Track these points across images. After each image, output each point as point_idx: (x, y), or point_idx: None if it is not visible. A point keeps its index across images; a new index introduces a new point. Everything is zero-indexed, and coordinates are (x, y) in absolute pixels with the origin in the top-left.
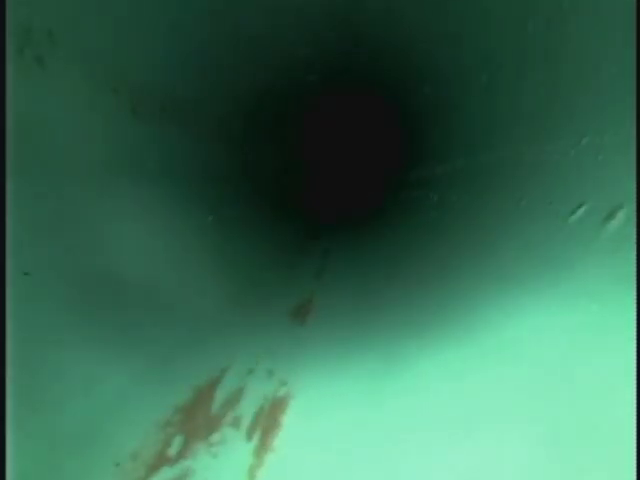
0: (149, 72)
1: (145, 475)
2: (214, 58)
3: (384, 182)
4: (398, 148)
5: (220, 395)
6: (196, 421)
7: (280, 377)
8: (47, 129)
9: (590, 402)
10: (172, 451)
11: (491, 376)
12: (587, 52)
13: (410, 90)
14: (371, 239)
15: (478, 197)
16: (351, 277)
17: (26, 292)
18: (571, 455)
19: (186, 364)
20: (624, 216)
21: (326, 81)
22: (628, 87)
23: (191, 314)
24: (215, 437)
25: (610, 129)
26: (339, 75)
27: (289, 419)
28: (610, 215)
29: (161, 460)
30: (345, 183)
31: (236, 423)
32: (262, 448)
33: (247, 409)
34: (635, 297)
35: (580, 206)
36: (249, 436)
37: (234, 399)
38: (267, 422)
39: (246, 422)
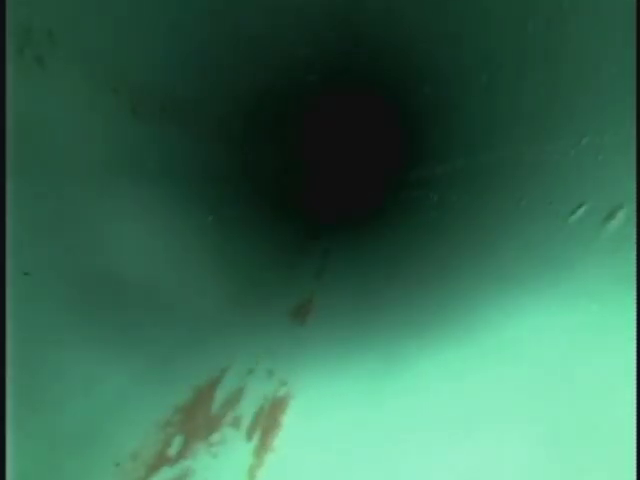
0: (149, 72)
1: (145, 475)
2: (214, 58)
3: (384, 182)
4: (398, 148)
5: (220, 395)
6: (196, 421)
7: (280, 377)
8: (47, 129)
9: (590, 402)
10: (172, 451)
11: (491, 376)
12: (587, 52)
13: (410, 90)
14: (371, 239)
15: (478, 197)
16: (351, 277)
17: (26, 292)
18: (571, 455)
19: (186, 364)
20: (624, 216)
21: (326, 81)
22: (628, 87)
23: (191, 314)
24: (215, 437)
25: (610, 129)
26: (339, 75)
27: (289, 419)
28: (610, 215)
29: (161, 460)
30: (345, 183)
31: (236, 423)
32: (262, 448)
33: (247, 409)
34: (635, 297)
35: (580, 206)
36: (249, 436)
37: (234, 399)
38: (267, 422)
39: (246, 422)
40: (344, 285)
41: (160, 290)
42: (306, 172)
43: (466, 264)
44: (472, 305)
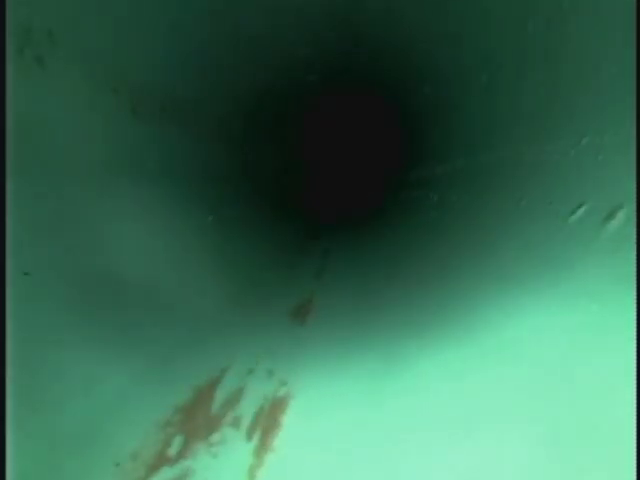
0: (149, 72)
1: (145, 475)
2: (214, 58)
3: (384, 182)
4: (398, 148)
5: (220, 395)
6: (196, 421)
7: (280, 377)
8: (47, 129)
9: (590, 402)
10: (172, 451)
11: (491, 376)
12: (587, 52)
13: (410, 90)
14: (371, 239)
15: (478, 197)
16: (351, 277)
17: (26, 292)
18: (571, 455)
19: (186, 364)
20: (624, 216)
21: (326, 81)
22: (628, 87)
23: (191, 314)
24: (215, 437)
25: (610, 129)
26: (339, 75)
27: (289, 419)
28: (610, 215)
29: (161, 460)
30: (345, 183)
31: (236, 423)
32: (262, 448)
33: (247, 409)
34: (635, 297)
35: (580, 206)
36: (249, 436)
37: (234, 399)
38: (267, 422)
39: (246, 422)
40: (344, 285)
41: (160, 290)
42: (306, 172)
43: (466, 264)
44: (472, 305)
